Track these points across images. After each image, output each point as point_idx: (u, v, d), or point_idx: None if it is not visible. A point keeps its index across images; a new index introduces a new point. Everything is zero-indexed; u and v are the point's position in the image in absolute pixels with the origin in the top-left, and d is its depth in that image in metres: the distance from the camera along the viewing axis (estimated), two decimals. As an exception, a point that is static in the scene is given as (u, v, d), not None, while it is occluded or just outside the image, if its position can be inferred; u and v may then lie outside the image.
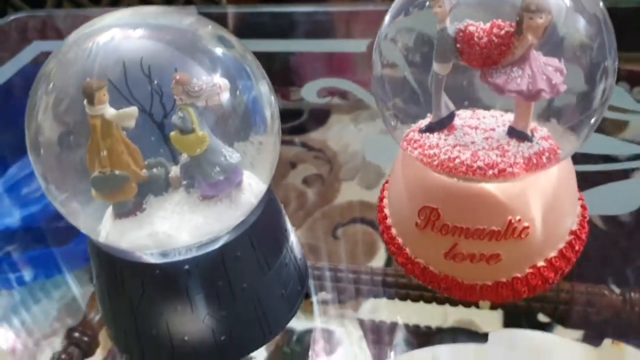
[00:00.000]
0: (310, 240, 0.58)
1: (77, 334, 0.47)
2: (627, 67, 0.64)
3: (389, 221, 0.37)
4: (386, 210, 0.38)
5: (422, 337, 0.47)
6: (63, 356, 0.45)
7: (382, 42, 0.33)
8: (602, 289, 0.44)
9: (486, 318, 0.45)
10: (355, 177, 0.65)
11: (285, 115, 0.72)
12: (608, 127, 0.55)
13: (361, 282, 0.48)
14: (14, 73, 0.75)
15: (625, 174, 0.50)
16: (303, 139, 0.70)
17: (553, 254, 0.34)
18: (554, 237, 0.34)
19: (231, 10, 0.89)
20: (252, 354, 0.44)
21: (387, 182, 0.39)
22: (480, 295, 0.34)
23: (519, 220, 0.32)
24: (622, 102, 0.57)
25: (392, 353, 0.46)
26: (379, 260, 0.50)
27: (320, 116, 0.72)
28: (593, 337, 0.43)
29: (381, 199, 0.39)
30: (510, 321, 0.45)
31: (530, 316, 0.43)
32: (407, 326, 0.47)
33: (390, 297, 0.46)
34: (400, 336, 0.47)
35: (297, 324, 0.47)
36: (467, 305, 0.41)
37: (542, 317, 0.43)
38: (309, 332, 0.48)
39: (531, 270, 0.33)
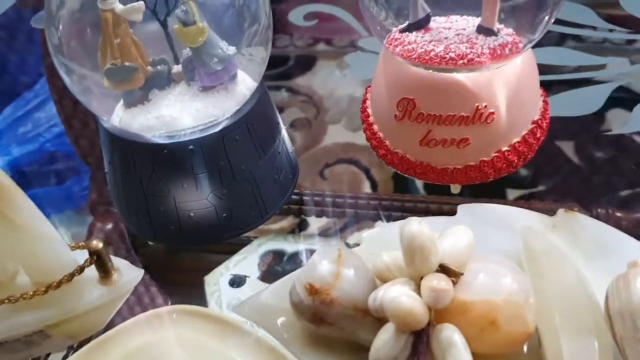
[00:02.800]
0: (299, 181, 0.62)
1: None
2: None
3: (371, 119, 0.41)
4: (369, 110, 0.42)
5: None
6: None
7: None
8: (571, 206, 0.48)
9: None
10: (341, 121, 0.69)
11: (272, 61, 0.74)
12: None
13: (345, 206, 0.52)
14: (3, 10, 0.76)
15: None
16: (290, 85, 0.73)
17: (516, 139, 0.38)
18: (518, 124, 0.38)
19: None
20: (247, 274, 0.48)
21: (369, 86, 0.43)
22: (452, 178, 0.38)
23: (485, 106, 0.36)
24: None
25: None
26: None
27: (306, 62, 0.74)
28: None
29: (364, 101, 0.43)
30: None
31: None
32: None
33: (375, 220, 0.50)
34: None
35: (288, 246, 0.51)
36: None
37: None
38: (297, 253, 0.52)
39: (497, 154, 0.38)
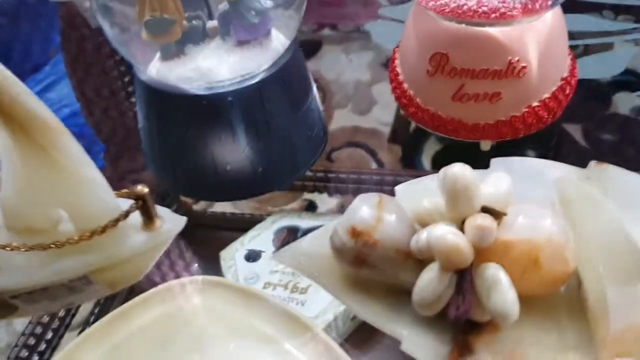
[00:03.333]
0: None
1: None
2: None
3: (400, 77, 0.42)
4: (398, 69, 0.42)
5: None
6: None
7: None
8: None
9: None
10: (347, 105, 0.69)
11: None
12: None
13: (361, 182, 0.52)
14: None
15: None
16: None
17: (547, 95, 0.38)
18: (548, 79, 0.38)
19: None
20: (262, 249, 0.48)
21: (397, 47, 0.44)
22: (483, 134, 0.39)
23: (518, 60, 0.36)
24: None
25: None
26: None
27: (312, 47, 0.75)
28: None
29: (392, 61, 0.43)
30: None
31: None
32: None
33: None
34: None
35: (302, 222, 0.51)
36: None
37: None
38: (312, 229, 0.52)
39: (527, 110, 0.38)
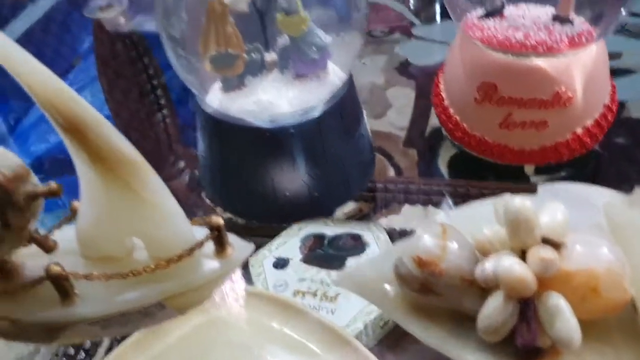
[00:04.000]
0: None
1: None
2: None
3: (445, 102, 0.43)
4: (443, 93, 0.44)
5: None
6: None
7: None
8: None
9: None
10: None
11: None
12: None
13: (388, 190, 0.54)
14: (52, 5, 0.78)
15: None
16: None
17: (590, 122, 0.40)
18: (592, 107, 0.40)
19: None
20: (290, 256, 0.49)
21: (440, 70, 0.45)
22: (528, 159, 0.40)
23: (564, 90, 0.38)
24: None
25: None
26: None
27: None
28: None
29: (436, 85, 0.45)
30: None
31: None
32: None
33: (413, 203, 0.52)
34: None
35: (328, 230, 0.52)
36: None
37: None
38: (339, 236, 0.53)
39: (572, 136, 0.40)
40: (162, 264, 0.32)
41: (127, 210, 0.30)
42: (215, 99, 0.36)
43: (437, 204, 0.49)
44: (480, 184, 0.49)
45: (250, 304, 0.36)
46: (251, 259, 0.45)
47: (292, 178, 0.37)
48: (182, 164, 0.52)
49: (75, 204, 0.33)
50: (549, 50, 0.37)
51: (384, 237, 0.46)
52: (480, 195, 0.50)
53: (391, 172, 0.64)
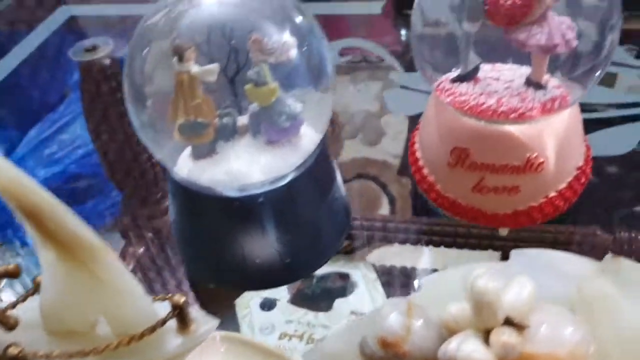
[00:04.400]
0: None
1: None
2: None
3: (420, 162, 0.43)
4: (417, 154, 0.44)
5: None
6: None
7: (416, 10, 0.38)
8: (594, 229, 0.50)
9: (484, 258, 0.50)
10: (357, 136, 0.70)
11: None
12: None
13: (374, 229, 0.54)
14: (45, 38, 0.78)
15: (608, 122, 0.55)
16: None
17: (563, 185, 0.40)
18: (564, 171, 0.39)
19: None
20: (277, 297, 0.49)
21: (416, 128, 0.45)
22: (501, 223, 0.40)
23: (536, 156, 0.38)
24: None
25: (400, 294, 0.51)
26: (383, 212, 0.55)
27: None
28: None
29: (412, 144, 0.45)
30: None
31: None
32: (414, 270, 0.52)
33: (402, 243, 0.51)
34: (412, 278, 0.53)
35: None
36: (471, 247, 0.46)
37: None
38: (327, 276, 0.53)
39: (544, 200, 0.39)
40: (124, 341, 0.31)
41: (87, 291, 0.30)
42: (185, 167, 0.36)
43: (428, 243, 0.49)
44: (449, 222, 0.49)
45: (228, 350, 0.35)
46: (237, 300, 0.44)
47: (262, 246, 0.37)
48: (168, 201, 0.52)
49: (39, 278, 0.33)
50: (521, 117, 0.37)
51: (373, 275, 0.46)
52: (469, 234, 0.50)
53: (385, 202, 0.64)
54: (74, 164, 0.74)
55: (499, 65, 0.41)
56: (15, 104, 0.81)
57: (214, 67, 0.34)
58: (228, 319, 0.46)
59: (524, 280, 0.32)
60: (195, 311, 0.34)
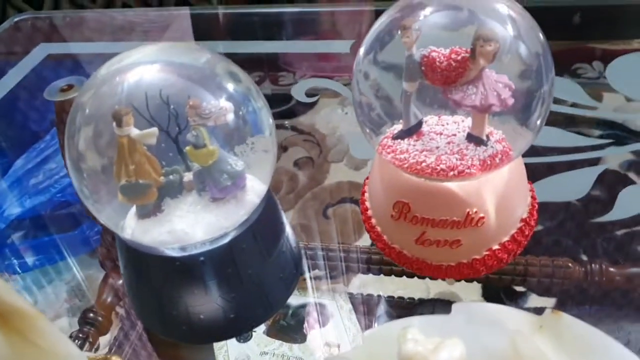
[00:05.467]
0: (303, 221, 0.63)
1: (91, 315, 0.53)
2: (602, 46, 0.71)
3: (369, 212, 0.44)
4: (367, 203, 0.44)
5: (405, 309, 0.53)
6: (80, 335, 0.51)
7: (358, 74, 0.39)
8: (566, 261, 0.50)
9: (466, 289, 0.51)
10: (343, 159, 0.70)
11: (276, 99, 0.76)
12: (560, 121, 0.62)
13: (350, 259, 0.54)
14: (23, 75, 0.80)
15: (571, 165, 0.56)
16: (293, 123, 0.75)
17: (506, 238, 0.40)
18: (507, 224, 0.40)
19: (222, 10, 0.94)
20: (254, 328, 0.49)
21: (367, 178, 0.46)
22: (446, 274, 0.41)
23: (476, 212, 0.38)
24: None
25: (376, 324, 0.52)
26: (367, 238, 0.55)
27: (308, 101, 0.77)
28: (563, 304, 0.49)
29: (363, 193, 0.45)
30: (488, 292, 0.51)
31: (506, 288, 0.50)
32: (392, 299, 0.53)
33: (376, 273, 0.52)
34: (385, 308, 0.53)
35: (293, 299, 0.53)
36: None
37: (518, 288, 0.50)
38: (303, 306, 0.54)
39: (487, 253, 0.40)
40: (64, 404, 0.32)
41: (25, 356, 0.31)
42: (129, 227, 0.37)
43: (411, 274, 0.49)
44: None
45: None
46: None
47: (205, 302, 0.37)
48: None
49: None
50: (460, 175, 0.37)
51: (348, 306, 0.46)
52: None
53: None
54: (60, 192, 0.75)
55: (444, 118, 0.42)
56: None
57: (153, 130, 0.34)
58: (205, 351, 0.47)
59: (455, 343, 0.33)
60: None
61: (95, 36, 0.88)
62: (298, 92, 0.73)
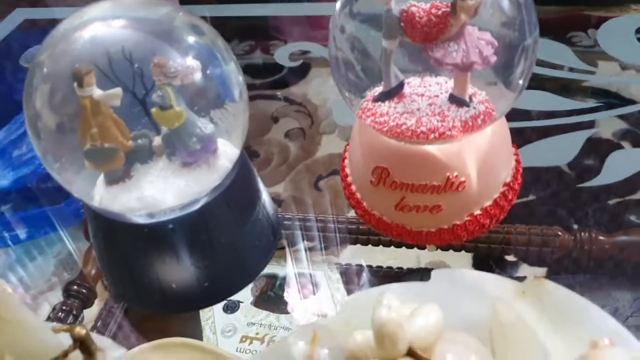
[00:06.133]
0: (295, 193, 0.62)
1: (75, 287, 0.52)
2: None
3: (349, 179, 0.42)
4: (347, 170, 0.43)
5: (393, 278, 0.52)
6: (63, 307, 0.50)
7: (334, 29, 0.37)
8: (556, 230, 0.49)
9: (456, 259, 0.50)
10: (335, 130, 0.69)
11: (267, 69, 0.74)
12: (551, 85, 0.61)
13: (340, 230, 0.53)
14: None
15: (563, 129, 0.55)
16: (284, 93, 0.73)
17: (488, 203, 0.39)
18: (489, 189, 0.39)
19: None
20: (241, 299, 0.48)
21: (348, 144, 0.44)
22: (426, 240, 0.40)
23: (456, 176, 0.37)
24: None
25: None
26: None
27: (300, 70, 0.75)
28: (553, 273, 0.49)
29: (343, 159, 0.44)
30: (479, 262, 0.50)
31: (497, 257, 0.49)
32: (380, 269, 0.52)
33: (364, 244, 0.51)
34: (372, 278, 0.53)
35: (280, 270, 0.52)
36: (443, 248, 0.46)
37: (509, 257, 0.49)
38: (290, 277, 0.53)
39: (469, 218, 0.39)
40: (29, 374, 0.31)
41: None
42: (97, 194, 0.36)
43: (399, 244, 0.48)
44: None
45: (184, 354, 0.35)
46: (200, 303, 0.44)
47: (177, 271, 0.36)
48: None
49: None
50: (441, 137, 0.36)
51: (336, 276, 0.46)
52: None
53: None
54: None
55: (427, 79, 0.40)
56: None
57: (117, 91, 0.33)
58: (191, 322, 0.46)
59: (431, 308, 0.32)
60: (103, 340, 0.34)
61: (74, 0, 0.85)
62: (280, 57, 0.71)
